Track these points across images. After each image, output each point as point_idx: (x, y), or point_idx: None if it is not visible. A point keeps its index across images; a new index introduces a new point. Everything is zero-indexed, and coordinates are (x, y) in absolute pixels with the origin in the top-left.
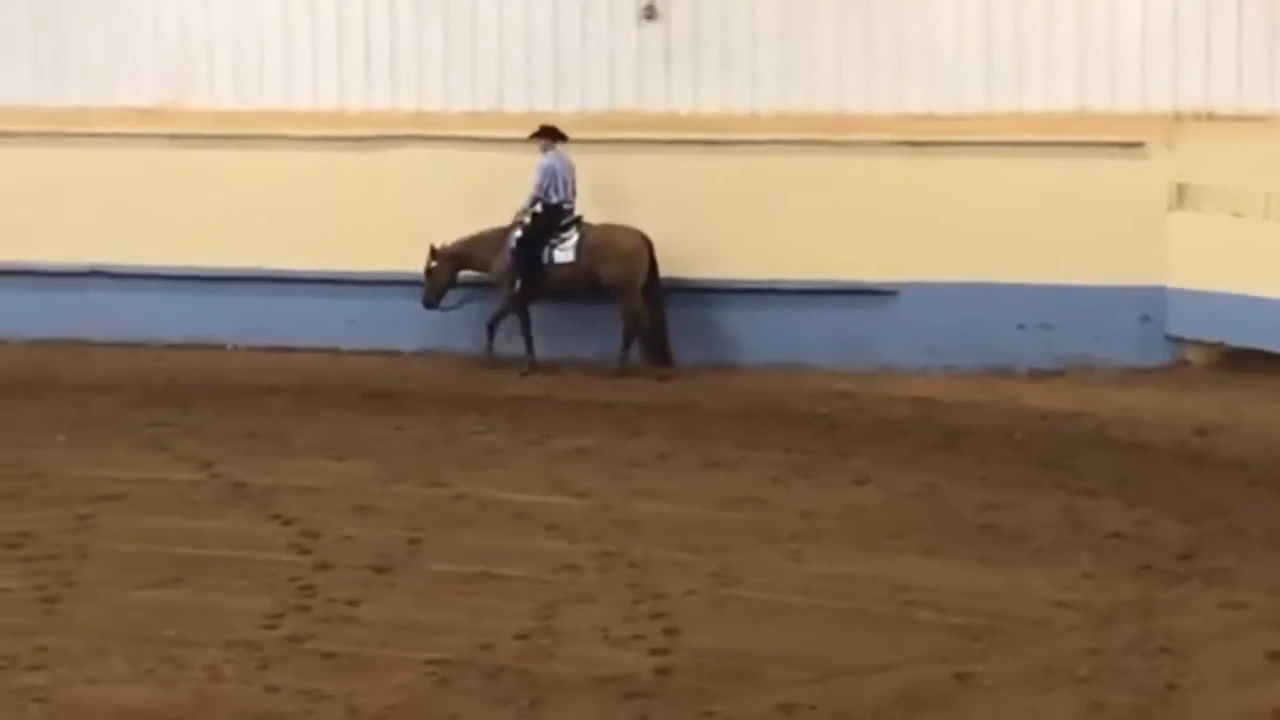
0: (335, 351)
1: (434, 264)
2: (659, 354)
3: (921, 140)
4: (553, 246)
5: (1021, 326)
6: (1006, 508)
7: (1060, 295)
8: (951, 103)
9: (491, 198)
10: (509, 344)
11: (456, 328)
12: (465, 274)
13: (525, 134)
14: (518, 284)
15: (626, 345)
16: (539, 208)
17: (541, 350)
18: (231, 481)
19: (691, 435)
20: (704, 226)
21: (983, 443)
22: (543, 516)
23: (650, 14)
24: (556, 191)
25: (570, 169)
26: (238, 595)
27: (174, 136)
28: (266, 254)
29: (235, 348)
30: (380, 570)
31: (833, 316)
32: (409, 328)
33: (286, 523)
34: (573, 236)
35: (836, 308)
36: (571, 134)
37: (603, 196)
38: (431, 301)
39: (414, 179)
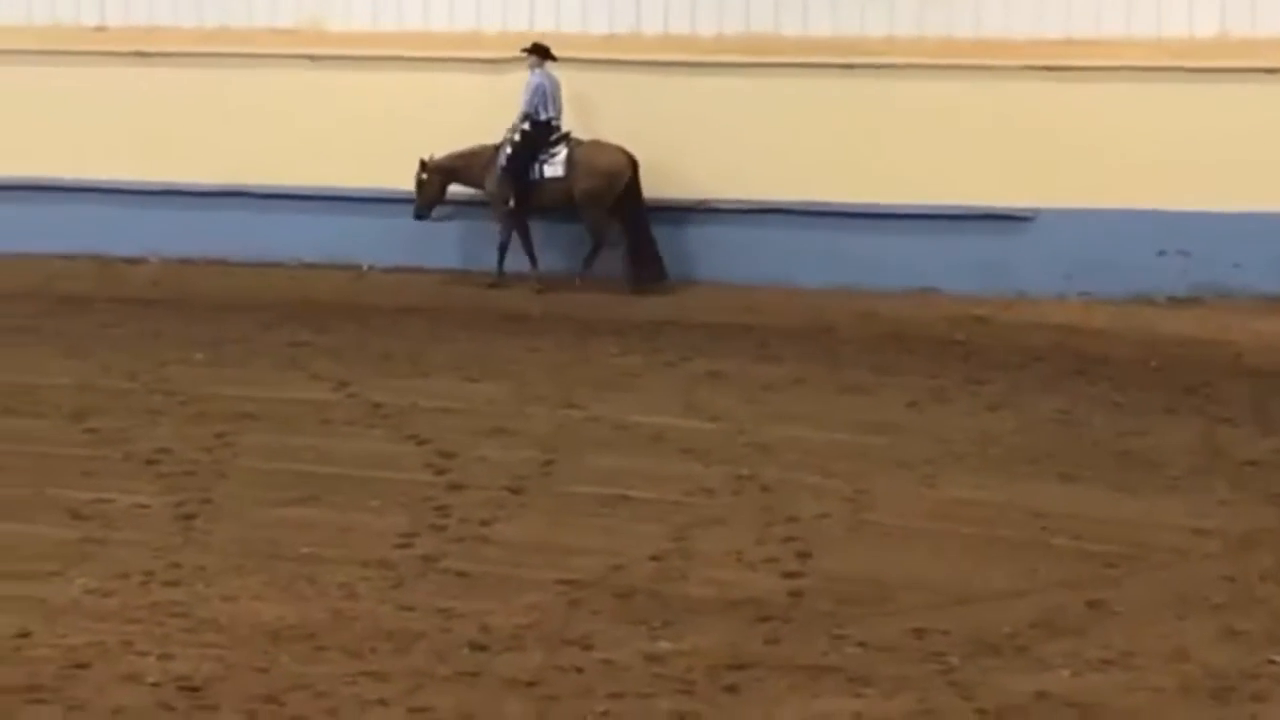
0: (467, 273)
1: (424, 176)
2: (646, 269)
3: (1060, 65)
4: (542, 162)
5: (1160, 253)
6: (1143, 435)
7: (1199, 222)
8: (1090, 28)
9: (625, 120)
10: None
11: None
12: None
13: (664, 57)
14: (511, 200)
15: (590, 259)
16: (528, 125)
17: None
18: (367, 401)
19: (826, 360)
20: (840, 150)
21: (1120, 369)
22: (677, 439)
23: None
24: (545, 108)
25: (557, 86)
26: (373, 514)
27: (313, 58)
28: (404, 175)
29: (371, 268)
30: (514, 491)
31: (969, 241)
32: (544, 249)
33: (421, 443)
34: (561, 152)
35: (973, 233)
36: (708, 58)
37: (737, 121)
38: (422, 213)
39: None
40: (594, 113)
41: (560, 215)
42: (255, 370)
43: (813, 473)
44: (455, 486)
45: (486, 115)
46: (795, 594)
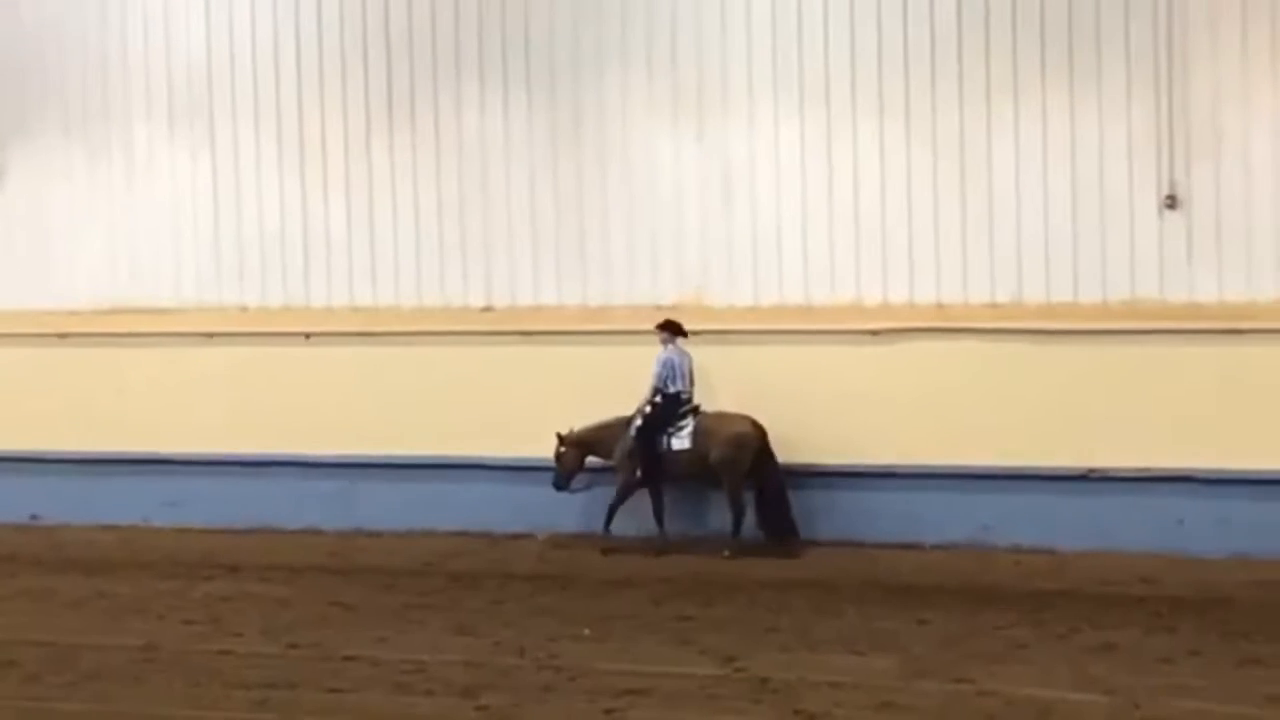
0: (856, 545)
1: (562, 449)
2: (779, 531)
3: None
4: (670, 435)
5: None
6: None
7: None
8: None
9: (1007, 387)
10: (631, 526)
11: (993, 519)
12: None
13: (1047, 325)
14: (638, 471)
15: (736, 526)
16: (658, 398)
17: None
18: (755, 677)
19: (1222, 630)
20: (1226, 415)
21: None
22: (1069, 714)
23: (1171, 203)
24: (674, 382)
25: (688, 360)
26: None
27: (691, 332)
28: (824, 449)
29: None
30: None
31: None
32: (933, 519)
33: (810, 719)
34: (689, 425)
35: None
36: (1092, 325)
37: (1125, 387)
38: (561, 484)
39: (930, 371)
40: (973, 380)
41: (685, 485)
42: (642, 645)
43: None
44: None
45: (871, 385)
46: None
